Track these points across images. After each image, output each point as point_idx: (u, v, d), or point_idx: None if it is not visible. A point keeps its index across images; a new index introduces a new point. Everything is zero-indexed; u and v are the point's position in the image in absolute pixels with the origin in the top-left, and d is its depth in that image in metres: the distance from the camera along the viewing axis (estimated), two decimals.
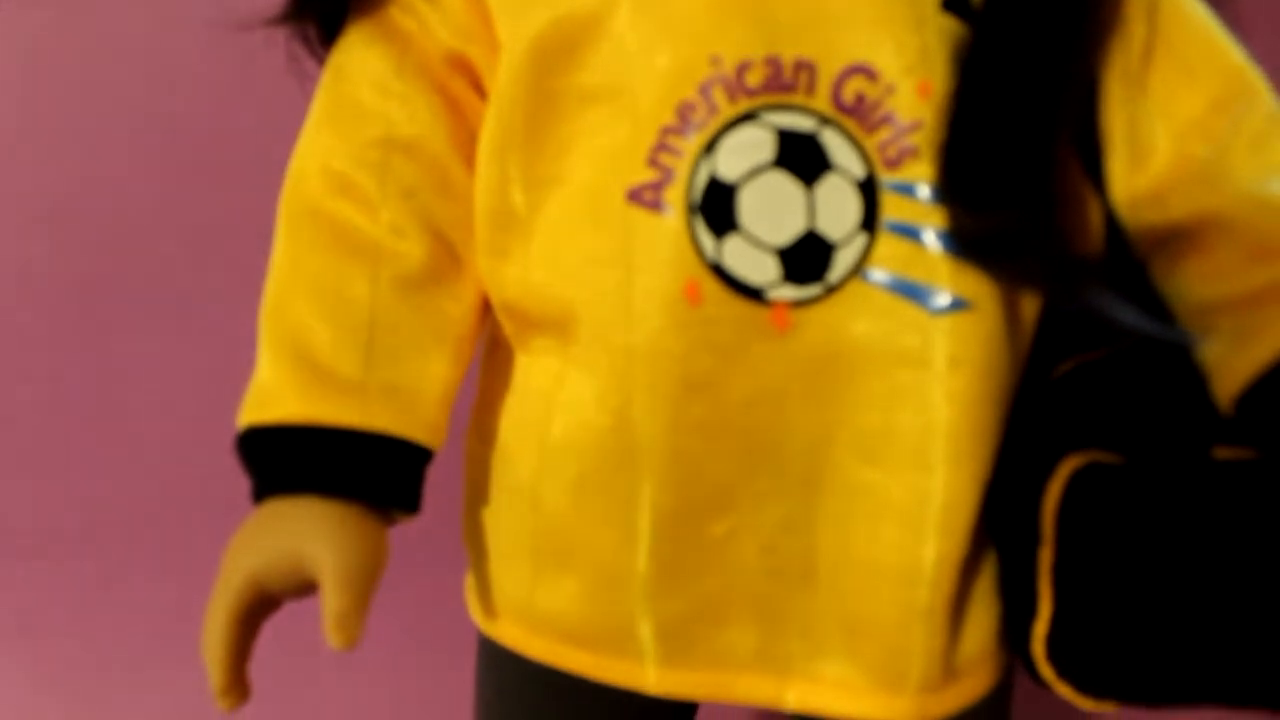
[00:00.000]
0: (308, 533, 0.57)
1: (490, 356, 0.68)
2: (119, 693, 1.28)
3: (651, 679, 0.62)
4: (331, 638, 0.55)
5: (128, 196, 1.24)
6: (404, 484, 0.61)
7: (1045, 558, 0.57)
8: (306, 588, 0.59)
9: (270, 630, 0.63)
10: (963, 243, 0.55)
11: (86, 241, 1.24)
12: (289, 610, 0.64)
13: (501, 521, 0.65)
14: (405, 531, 0.67)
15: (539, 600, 0.63)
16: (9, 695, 1.26)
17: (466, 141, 0.63)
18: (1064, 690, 0.59)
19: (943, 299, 0.56)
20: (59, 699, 1.27)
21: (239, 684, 0.58)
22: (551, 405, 0.61)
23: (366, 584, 0.57)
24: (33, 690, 1.27)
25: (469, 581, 0.70)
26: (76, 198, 1.24)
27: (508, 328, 0.64)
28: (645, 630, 0.60)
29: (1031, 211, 0.55)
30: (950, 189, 0.55)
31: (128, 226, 1.24)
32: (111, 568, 1.28)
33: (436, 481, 0.66)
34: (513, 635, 0.65)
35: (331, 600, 0.55)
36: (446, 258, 0.63)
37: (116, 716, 1.27)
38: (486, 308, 0.66)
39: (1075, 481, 0.56)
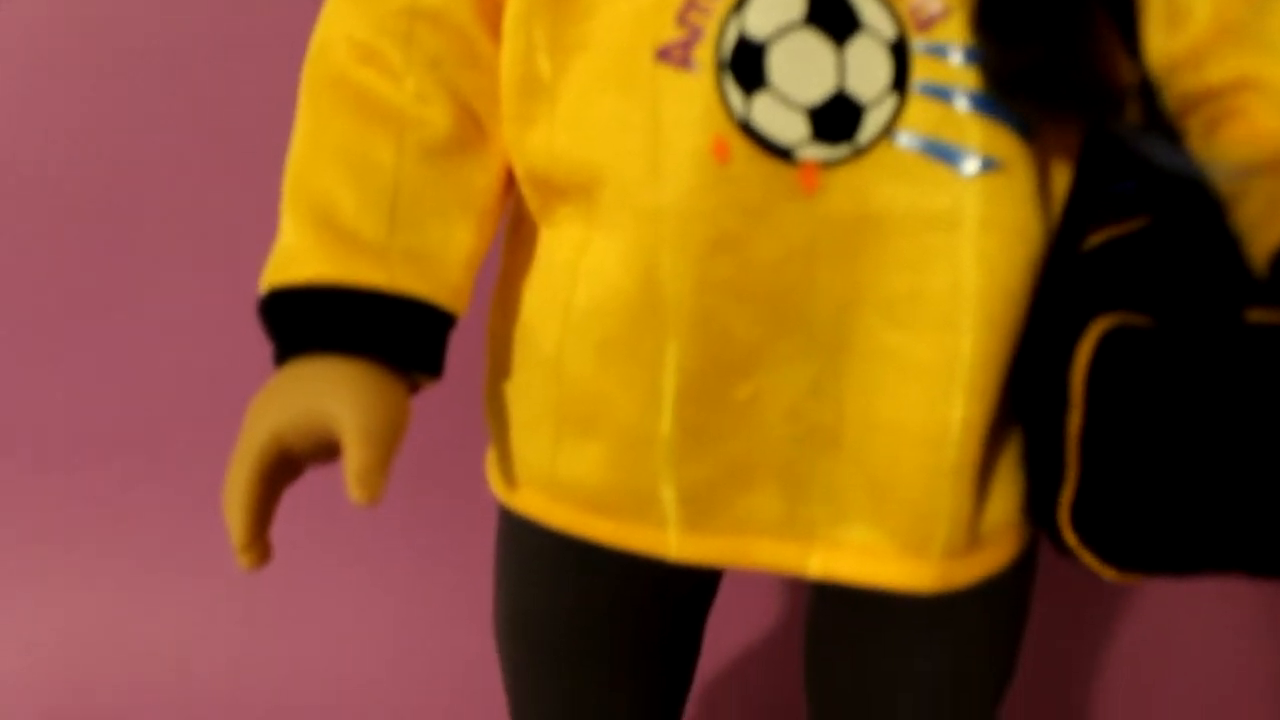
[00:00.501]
0: (330, 391, 0.57)
1: (513, 234, 0.68)
2: (143, 594, 1.29)
3: (673, 545, 0.62)
4: (353, 492, 0.55)
5: (143, 102, 1.23)
6: (426, 346, 0.61)
7: (1073, 422, 0.56)
8: (328, 448, 0.59)
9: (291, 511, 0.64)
10: (996, 80, 0.54)
11: (103, 148, 1.23)
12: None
13: (524, 393, 0.65)
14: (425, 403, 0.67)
15: (561, 468, 0.63)
16: (37, 599, 1.27)
17: (491, 11, 0.63)
18: (1088, 559, 0.59)
19: (973, 161, 0.56)
20: (85, 602, 1.28)
21: (259, 542, 0.58)
22: (575, 274, 0.60)
23: (388, 442, 0.56)
24: (60, 594, 1.28)
25: (490, 456, 0.70)
26: (95, 102, 1.23)
27: (532, 201, 0.64)
28: (668, 494, 0.60)
29: (1063, 42, 0.54)
30: (983, 24, 0.54)
31: (144, 132, 1.23)
32: (133, 475, 1.29)
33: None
34: (534, 505, 0.65)
35: (353, 455, 0.55)
36: (472, 127, 0.63)
37: (141, 618, 1.28)
38: (511, 182, 0.66)
39: (1105, 344, 0.56)
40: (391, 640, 1.30)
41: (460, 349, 0.66)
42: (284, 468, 0.59)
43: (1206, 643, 1.33)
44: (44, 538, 1.29)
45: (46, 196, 1.24)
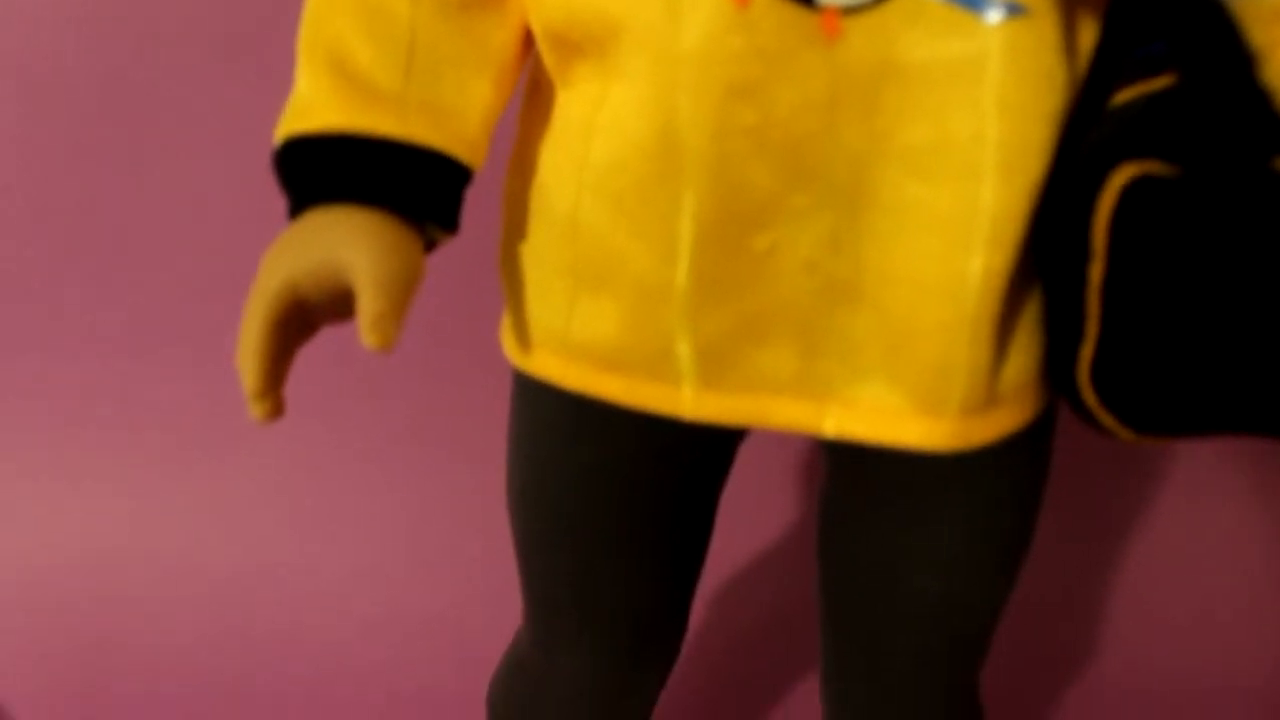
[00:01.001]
0: (344, 240, 0.57)
1: (530, 98, 0.67)
2: (164, 482, 1.30)
3: (688, 402, 0.61)
4: (366, 338, 0.54)
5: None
6: (442, 199, 0.60)
7: (1095, 274, 0.55)
8: (342, 299, 0.59)
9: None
10: None
11: (118, 34, 1.23)
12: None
13: (540, 254, 0.64)
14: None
15: (576, 327, 0.63)
16: (61, 487, 1.29)
17: None
18: (1106, 420, 0.59)
19: (998, 8, 0.55)
20: (103, 497, 1.29)
21: (272, 391, 0.58)
22: (591, 130, 0.60)
23: (402, 291, 0.56)
24: (83, 481, 1.30)
25: (505, 322, 0.69)
26: None
27: (549, 60, 0.63)
28: (683, 350, 0.60)
29: None
30: None
31: (157, 18, 1.22)
32: (155, 365, 1.30)
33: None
34: (549, 367, 0.65)
35: (366, 302, 0.55)
36: None
37: (161, 504, 1.30)
38: (529, 42, 0.65)
39: (1129, 193, 0.55)
40: (406, 535, 1.30)
41: (474, 230, 0.66)
42: (298, 320, 0.59)
43: (1215, 553, 1.33)
44: (64, 431, 1.30)
45: (64, 91, 1.24)
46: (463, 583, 1.30)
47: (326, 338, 1.28)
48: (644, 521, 0.71)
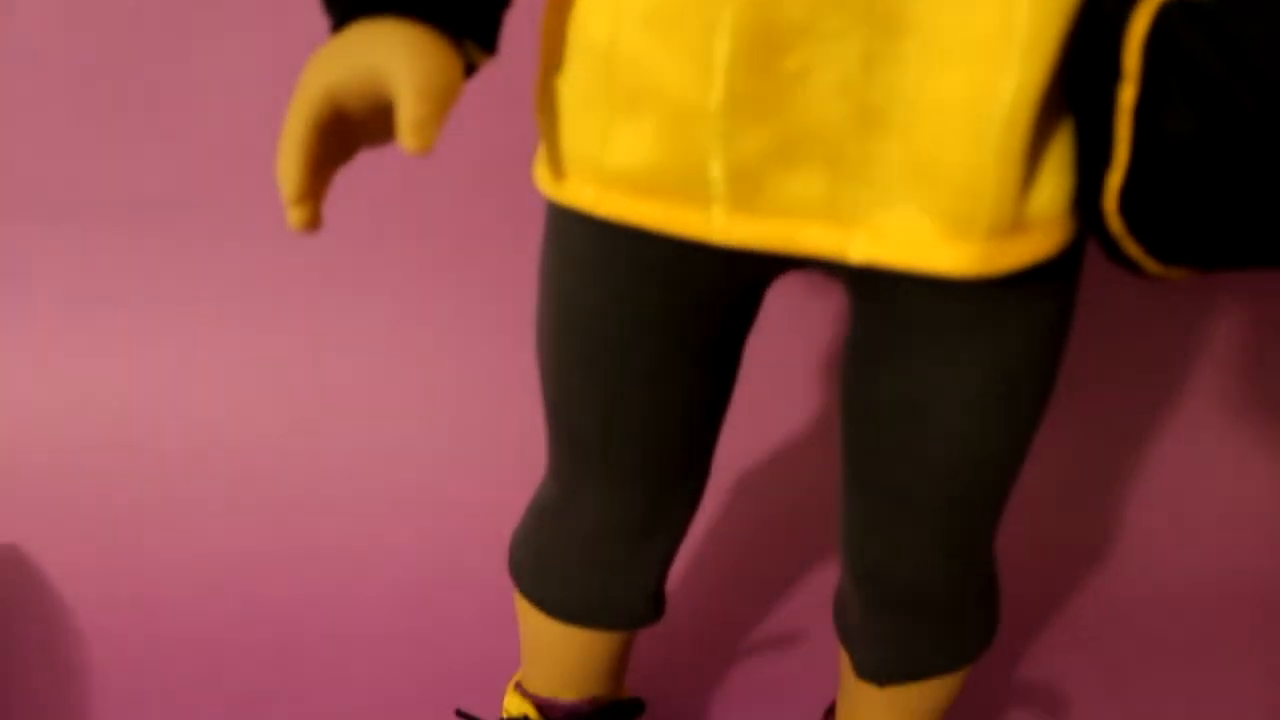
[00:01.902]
0: (384, 49, 0.58)
1: None
2: (198, 349, 1.33)
3: (719, 225, 0.62)
4: (406, 141, 0.56)
5: None
6: (481, 16, 0.61)
7: (1126, 96, 0.56)
8: (382, 112, 0.60)
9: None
10: None
11: None
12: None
13: (577, 83, 0.65)
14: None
15: (610, 153, 0.64)
16: (96, 351, 1.31)
17: None
18: (1132, 250, 0.59)
19: None
20: (141, 360, 1.32)
21: (311, 198, 0.59)
22: None
23: (442, 98, 0.57)
24: (117, 346, 1.32)
25: (539, 156, 0.70)
26: None
27: None
28: (716, 170, 0.61)
29: None
30: None
31: None
32: (192, 232, 1.32)
33: None
34: (583, 196, 0.66)
35: (406, 107, 0.56)
36: None
37: (194, 370, 1.32)
38: None
39: (1164, 14, 0.55)
40: (439, 413, 1.32)
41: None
42: (337, 133, 0.60)
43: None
44: (101, 297, 1.32)
45: None
46: (495, 465, 1.32)
47: (360, 204, 1.30)
48: (670, 355, 0.72)
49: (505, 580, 1.23)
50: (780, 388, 1.35)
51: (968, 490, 0.75)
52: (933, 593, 0.82)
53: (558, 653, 0.95)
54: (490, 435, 1.33)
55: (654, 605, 0.91)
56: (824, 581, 1.25)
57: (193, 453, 1.31)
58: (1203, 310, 1.35)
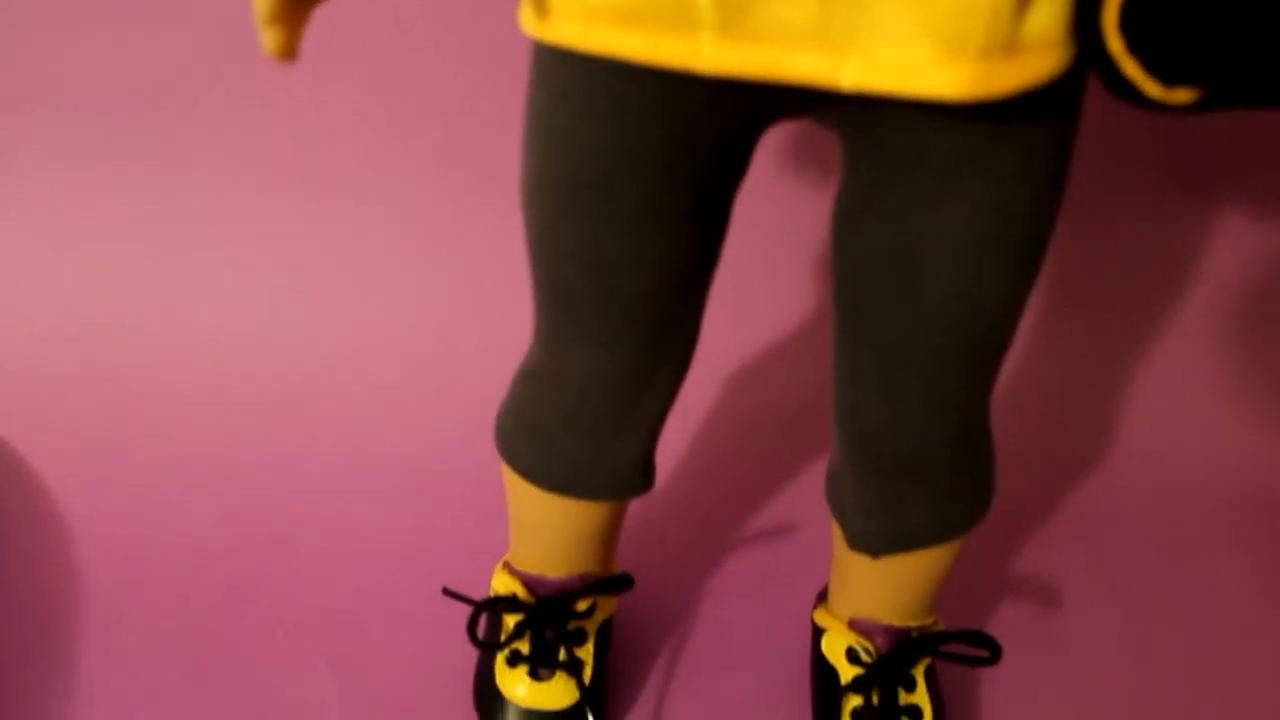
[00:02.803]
0: None
1: None
2: (185, 243, 1.31)
3: (706, 53, 0.61)
4: None
5: None
6: None
7: None
8: None
9: None
10: None
11: None
12: None
13: None
14: None
15: None
16: (81, 248, 1.30)
17: None
18: (1131, 70, 0.57)
19: None
20: (128, 250, 1.30)
21: (285, 22, 0.57)
22: None
23: None
24: (103, 241, 1.30)
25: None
26: None
27: None
28: None
29: None
30: None
31: None
32: (178, 126, 1.30)
33: None
34: (567, 31, 0.64)
35: None
36: None
37: (181, 265, 1.31)
38: None
39: None
40: (425, 305, 1.31)
41: None
42: None
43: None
44: (87, 189, 1.30)
45: None
46: (484, 357, 1.31)
47: (345, 94, 1.28)
48: (657, 200, 0.70)
49: (495, 472, 1.22)
50: (774, 283, 1.34)
51: (962, 341, 0.74)
52: (927, 454, 0.82)
53: (546, 528, 0.94)
54: (480, 327, 1.32)
55: (644, 474, 0.90)
56: (818, 475, 1.25)
57: (181, 346, 1.30)
58: (1209, 204, 1.34)
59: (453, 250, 1.32)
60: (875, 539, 0.89)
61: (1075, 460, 1.29)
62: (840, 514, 0.91)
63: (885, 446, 0.83)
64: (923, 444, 0.82)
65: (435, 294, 1.32)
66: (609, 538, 0.97)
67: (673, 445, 1.27)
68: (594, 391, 0.82)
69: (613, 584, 0.96)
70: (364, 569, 1.13)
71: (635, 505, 1.20)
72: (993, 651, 0.96)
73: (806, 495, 1.23)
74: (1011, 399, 1.34)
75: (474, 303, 1.33)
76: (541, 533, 0.96)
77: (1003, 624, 1.12)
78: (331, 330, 1.32)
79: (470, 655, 1.06)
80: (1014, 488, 1.26)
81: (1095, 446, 1.30)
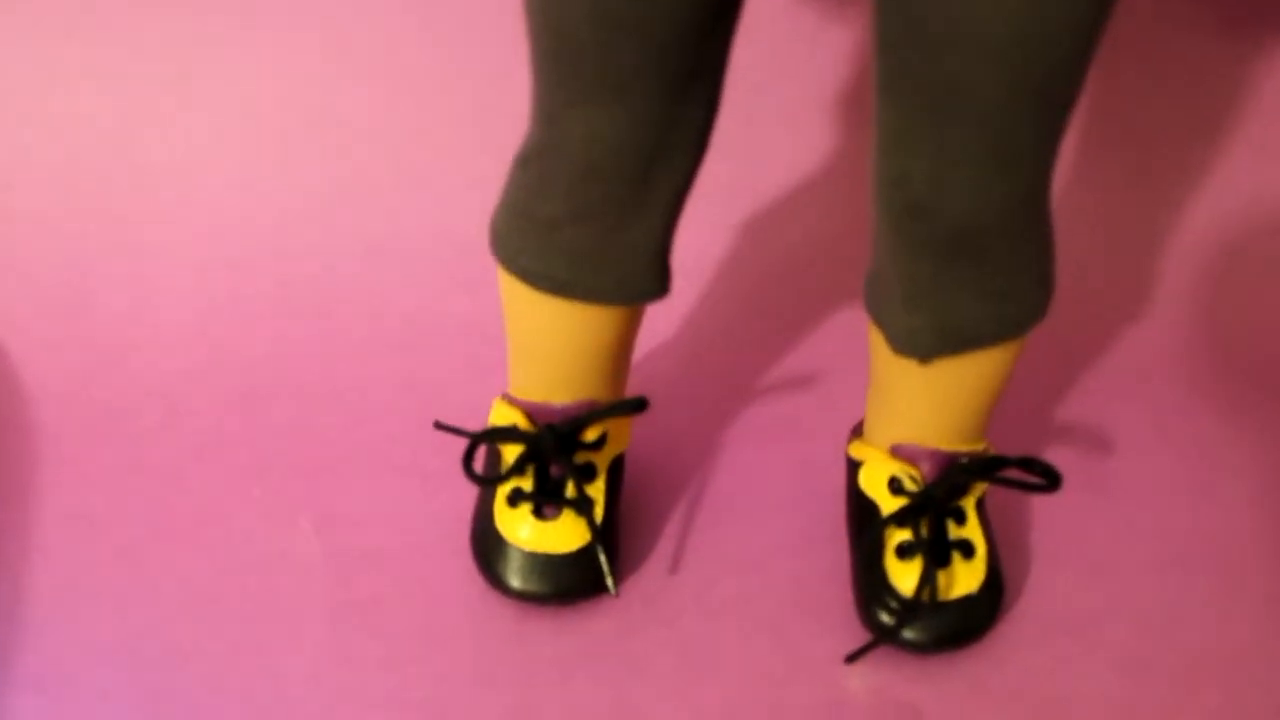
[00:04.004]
0: None
1: None
2: (151, 88, 1.20)
3: None
4: None
5: None
6: None
7: None
8: None
9: None
10: None
11: None
12: None
13: None
14: None
15: None
16: (41, 92, 1.19)
17: None
18: None
19: None
20: (94, 91, 1.19)
21: None
22: None
23: None
24: (66, 85, 1.19)
25: None
26: None
27: None
28: None
29: None
30: None
31: None
32: None
33: None
34: None
35: None
36: None
37: (149, 107, 1.20)
38: None
39: None
40: (408, 147, 1.20)
41: None
42: None
43: None
44: (45, 29, 1.19)
45: None
46: (467, 199, 1.20)
47: None
48: (660, 28, 0.61)
49: (487, 325, 1.11)
50: (789, 126, 1.23)
51: (1026, 79, 0.64)
52: (982, 226, 0.71)
53: (548, 344, 0.84)
54: (468, 169, 1.21)
55: (656, 275, 0.80)
56: (839, 326, 1.14)
57: (148, 196, 1.19)
58: (1258, 36, 1.23)
59: (439, 89, 1.21)
60: (925, 337, 0.78)
61: (1122, 306, 1.19)
62: (883, 317, 0.81)
63: (937, 218, 0.72)
64: (978, 212, 0.71)
65: (417, 136, 1.21)
66: (618, 358, 0.87)
67: (685, 297, 1.16)
68: (600, 161, 0.71)
69: (624, 407, 0.86)
70: (347, 423, 1.02)
71: (648, 353, 1.10)
72: (1051, 479, 0.87)
73: (829, 345, 1.13)
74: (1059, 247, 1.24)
75: (460, 145, 1.22)
76: (542, 350, 0.86)
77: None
78: (308, 177, 1.21)
79: (466, 506, 0.96)
80: (1059, 333, 1.16)
81: (1143, 293, 1.20)
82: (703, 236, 1.20)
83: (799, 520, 0.97)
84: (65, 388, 1.04)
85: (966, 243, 0.73)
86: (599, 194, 0.74)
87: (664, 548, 0.94)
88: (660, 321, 1.14)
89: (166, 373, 1.06)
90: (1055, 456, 1.03)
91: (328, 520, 0.95)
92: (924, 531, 0.85)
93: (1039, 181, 0.72)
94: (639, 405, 0.86)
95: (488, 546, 0.88)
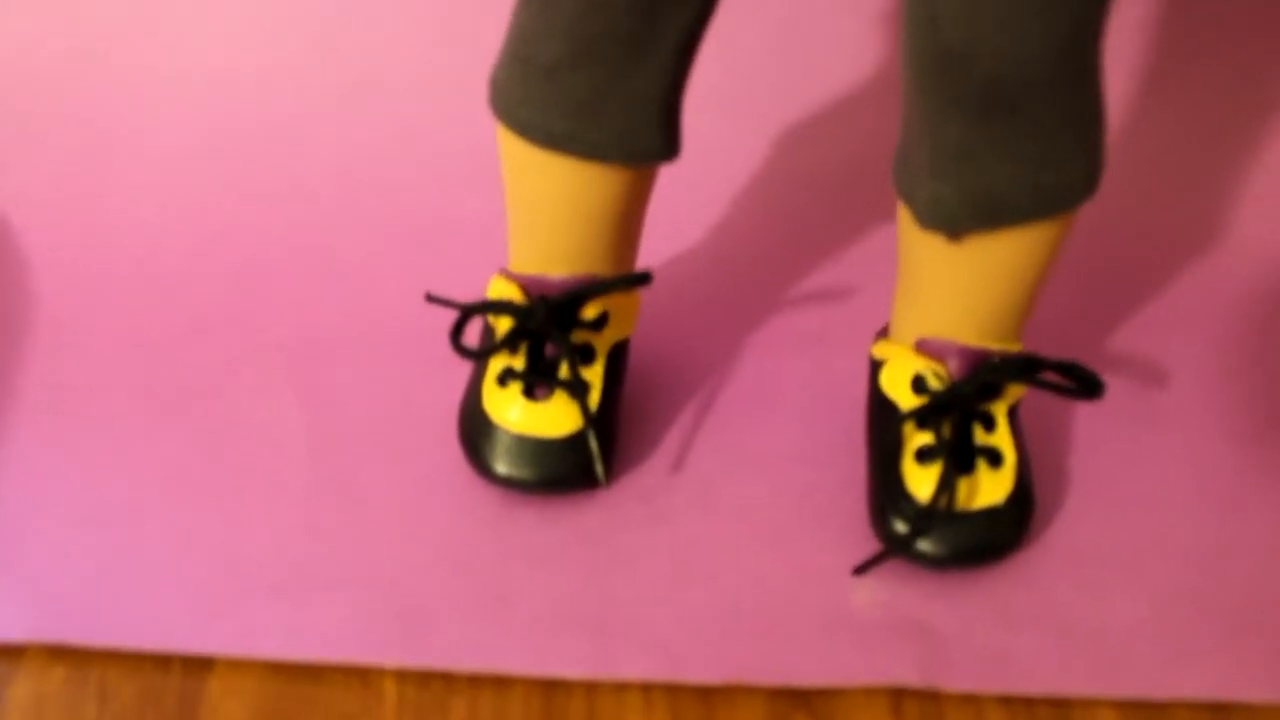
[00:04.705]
0: None
1: None
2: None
3: None
4: None
5: None
6: None
7: None
8: None
9: None
10: None
11: None
12: None
13: None
14: None
15: None
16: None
17: None
18: None
19: None
20: None
21: None
22: None
23: None
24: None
25: None
26: None
27: None
28: None
29: None
30: None
31: None
32: None
33: None
34: None
35: None
36: None
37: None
38: None
39: None
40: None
41: None
42: None
43: None
44: None
45: None
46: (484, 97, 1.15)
47: None
48: None
49: (489, 225, 1.05)
50: (820, 38, 1.16)
51: None
52: (1021, 78, 0.64)
53: (547, 210, 0.78)
54: (478, 65, 1.16)
55: (663, 131, 0.73)
56: (871, 241, 1.07)
57: (153, 79, 1.15)
58: None
59: None
60: (954, 206, 0.71)
61: (1193, 242, 1.10)
62: (910, 189, 0.74)
63: (970, 67, 0.65)
64: (1014, 58, 0.64)
65: (437, 32, 1.16)
66: (621, 229, 0.81)
67: (718, 205, 1.09)
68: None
69: (624, 281, 0.80)
70: (348, 308, 0.96)
71: (674, 257, 1.03)
72: (1091, 386, 0.79)
73: (865, 262, 1.05)
74: (1111, 180, 1.15)
75: (467, 38, 1.16)
76: (541, 218, 0.80)
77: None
78: (312, 63, 1.16)
79: (456, 388, 0.91)
80: (1111, 269, 1.07)
81: (1215, 232, 1.11)
82: (741, 144, 1.13)
83: (817, 431, 0.90)
84: (65, 257, 1.01)
85: (1000, 97, 0.65)
86: (601, 27, 0.68)
87: (667, 446, 0.88)
88: (688, 224, 1.07)
89: (166, 250, 1.01)
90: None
91: (316, 399, 0.89)
92: (946, 433, 0.78)
93: (1086, 27, 0.64)
94: (641, 279, 0.80)
95: (474, 428, 0.82)
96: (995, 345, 0.80)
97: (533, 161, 0.77)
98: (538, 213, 0.79)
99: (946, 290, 0.77)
